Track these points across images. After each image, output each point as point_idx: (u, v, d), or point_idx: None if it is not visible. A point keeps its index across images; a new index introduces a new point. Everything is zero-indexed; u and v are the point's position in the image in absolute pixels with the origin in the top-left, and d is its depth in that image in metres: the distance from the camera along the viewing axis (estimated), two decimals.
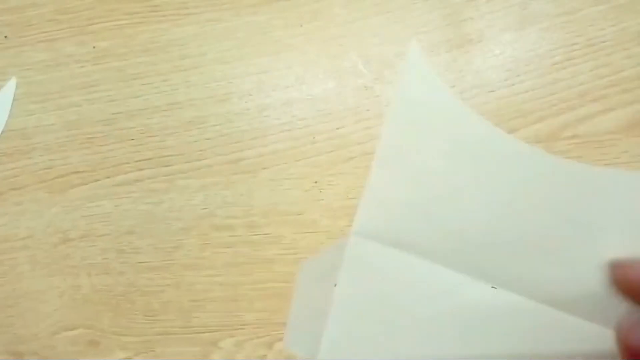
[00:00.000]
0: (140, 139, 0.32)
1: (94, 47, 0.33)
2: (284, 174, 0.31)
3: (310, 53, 0.32)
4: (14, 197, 0.33)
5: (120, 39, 0.33)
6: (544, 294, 0.18)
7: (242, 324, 0.31)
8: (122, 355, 0.31)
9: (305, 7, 0.32)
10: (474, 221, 0.19)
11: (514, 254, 0.19)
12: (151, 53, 0.33)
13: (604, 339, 0.17)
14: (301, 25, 0.32)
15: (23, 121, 0.34)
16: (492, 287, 0.19)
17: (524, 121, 0.29)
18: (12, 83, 0.34)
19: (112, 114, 0.33)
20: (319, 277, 0.23)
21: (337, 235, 0.30)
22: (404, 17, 0.31)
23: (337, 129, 0.31)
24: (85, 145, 0.33)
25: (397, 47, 0.31)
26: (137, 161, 0.32)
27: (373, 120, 0.31)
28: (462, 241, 0.20)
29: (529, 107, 0.30)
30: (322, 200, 0.31)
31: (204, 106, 0.32)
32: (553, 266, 0.18)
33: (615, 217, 0.18)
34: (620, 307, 0.18)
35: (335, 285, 0.21)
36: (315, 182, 0.31)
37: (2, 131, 0.33)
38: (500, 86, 0.30)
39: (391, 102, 0.21)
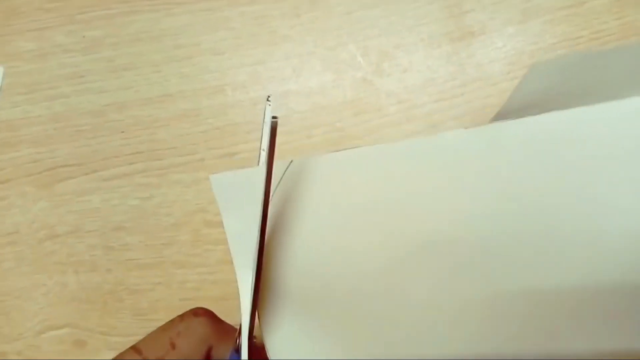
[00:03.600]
0: (130, 132, 0.31)
1: (83, 36, 0.32)
2: None
3: (308, 44, 0.31)
4: None
5: (111, 29, 0.32)
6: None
7: (234, 323, 0.29)
8: (109, 355, 0.30)
9: None
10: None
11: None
12: (143, 43, 0.32)
13: None
14: (298, 16, 0.31)
15: (10, 113, 0.32)
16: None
17: None
18: None
19: (102, 105, 0.32)
20: None
21: None
22: (404, 9, 0.30)
23: (335, 122, 0.30)
24: (74, 138, 0.32)
25: (396, 39, 0.30)
26: (127, 155, 0.31)
27: (372, 114, 0.30)
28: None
29: None
30: None
31: (196, 98, 0.31)
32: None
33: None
34: None
35: None
36: None
37: None
38: (503, 79, 0.29)
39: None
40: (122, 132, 0.31)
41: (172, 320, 0.21)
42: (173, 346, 0.20)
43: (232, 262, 0.30)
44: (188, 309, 0.30)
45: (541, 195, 0.16)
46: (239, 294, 0.29)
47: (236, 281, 0.30)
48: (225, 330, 0.21)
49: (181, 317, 0.21)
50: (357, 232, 0.18)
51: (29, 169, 0.32)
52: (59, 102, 0.32)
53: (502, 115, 0.25)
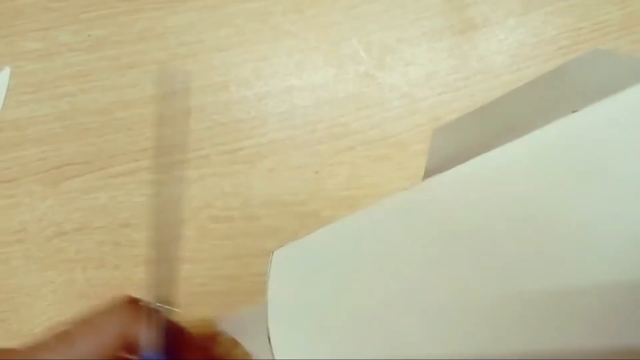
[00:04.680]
0: (136, 129, 0.32)
1: (88, 35, 0.33)
2: (283, 164, 0.30)
3: (310, 39, 0.31)
4: (6, 190, 0.32)
5: (115, 27, 0.32)
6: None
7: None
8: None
9: None
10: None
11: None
12: (147, 41, 0.32)
13: None
14: (301, 12, 0.31)
15: (16, 112, 0.33)
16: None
17: None
18: (5, 72, 0.33)
19: (107, 103, 0.32)
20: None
21: None
22: (406, 2, 0.30)
23: (338, 117, 0.30)
24: (80, 136, 0.32)
25: (399, 33, 0.30)
26: (133, 152, 0.32)
27: (374, 108, 0.30)
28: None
29: None
30: (323, 190, 0.30)
31: (201, 95, 0.31)
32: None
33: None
34: None
35: None
36: (316, 172, 0.30)
37: None
38: (505, 72, 0.29)
39: None
40: (128, 129, 0.32)
41: (92, 311, 0.21)
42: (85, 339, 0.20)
43: (238, 257, 0.30)
44: (195, 304, 0.30)
45: (489, 231, 0.17)
46: (245, 290, 0.30)
47: (243, 275, 0.30)
48: (145, 313, 0.21)
49: (102, 307, 0.21)
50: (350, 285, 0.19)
51: (36, 167, 0.32)
52: (65, 101, 0.32)
53: (430, 174, 0.26)
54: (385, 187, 0.29)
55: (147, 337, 0.20)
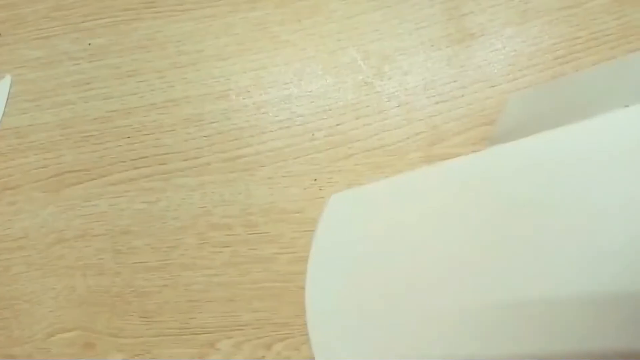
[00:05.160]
0: (136, 137, 0.32)
1: (89, 44, 0.33)
2: (282, 171, 0.31)
3: (309, 49, 0.31)
4: (8, 197, 0.33)
5: (115, 36, 0.33)
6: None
7: (240, 325, 0.30)
8: (118, 357, 0.31)
9: (303, 2, 0.31)
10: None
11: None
12: (147, 50, 0.32)
13: None
14: (299, 21, 0.31)
15: (17, 120, 0.33)
16: None
17: None
18: (6, 80, 0.33)
19: (108, 111, 0.32)
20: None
21: None
22: (404, 12, 0.31)
23: (337, 125, 0.31)
24: (81, 144, 0.32)
25: (397, 42, 0.31)
26: (133, 160, 0.32)
27: (373, 117, 0.30)
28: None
29: None
30: (322, 198, 0.30)
31: (201, 103, 0.32)
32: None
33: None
34: None
35: None
36: (315, 180, 0.30)
37: None
38: (503, 81, 0.29)
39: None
40: (128, 137, 0.32)
41: None
42: None
43: (237, 265, 0.30)
44: (195, 310, 0.30)
45: (539, 207, 0.17)
46: (244, 297, 0.30)
47: (242, 282, 0.30)
48: None
49: None
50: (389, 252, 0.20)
51: (37, 174, 0.33)
52: (66, 109, 0.33)
53: (495, 140, 0.27)
54: None
55: None
